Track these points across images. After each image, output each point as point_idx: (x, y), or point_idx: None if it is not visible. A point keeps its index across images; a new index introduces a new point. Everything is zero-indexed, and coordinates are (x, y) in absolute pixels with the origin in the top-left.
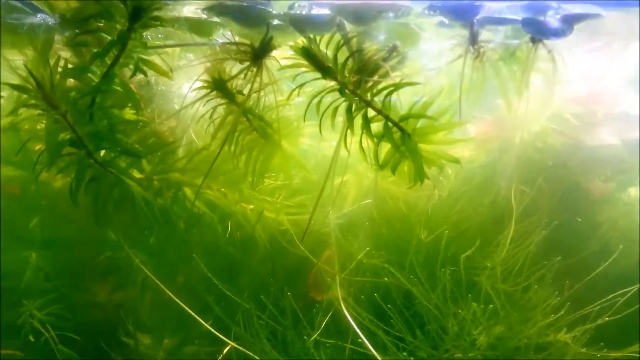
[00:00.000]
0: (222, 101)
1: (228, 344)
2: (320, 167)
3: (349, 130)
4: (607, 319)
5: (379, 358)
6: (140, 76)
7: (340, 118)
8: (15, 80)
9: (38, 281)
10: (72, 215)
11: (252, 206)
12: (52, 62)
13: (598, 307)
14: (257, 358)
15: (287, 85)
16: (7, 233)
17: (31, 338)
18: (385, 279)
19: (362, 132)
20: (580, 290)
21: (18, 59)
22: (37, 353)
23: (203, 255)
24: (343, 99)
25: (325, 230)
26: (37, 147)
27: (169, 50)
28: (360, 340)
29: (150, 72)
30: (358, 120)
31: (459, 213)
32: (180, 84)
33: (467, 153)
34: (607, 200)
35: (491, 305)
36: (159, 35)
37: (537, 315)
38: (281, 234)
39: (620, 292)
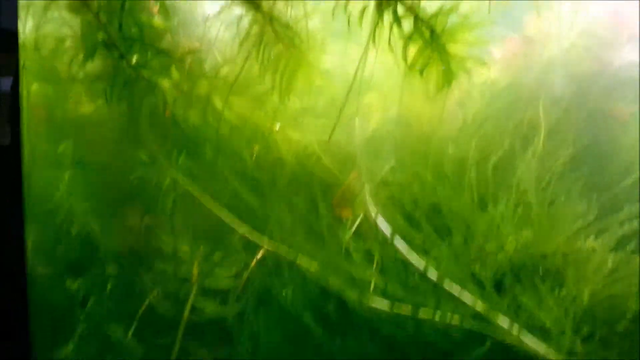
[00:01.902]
0: (247, 10)
1: (262, 247)
2: (345, 86)
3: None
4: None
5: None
6: None
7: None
8: None
9: (68, 203)
10: (100, 139)
11: (279, 124)
12: None
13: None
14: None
15: None
16: (36, 156)
17: None
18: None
19: (390, 31)
20: (606, 204)
21: None
22: None
23: (232, 175)
24: None
25: (350, 149)
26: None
27: None
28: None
29: None
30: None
31: (484, 137)
32: None
33: (493, 74)
34: (631, 121)
35: (520, 209)
36: None
37: (565, 224)
38: (307, 157)
39: None
